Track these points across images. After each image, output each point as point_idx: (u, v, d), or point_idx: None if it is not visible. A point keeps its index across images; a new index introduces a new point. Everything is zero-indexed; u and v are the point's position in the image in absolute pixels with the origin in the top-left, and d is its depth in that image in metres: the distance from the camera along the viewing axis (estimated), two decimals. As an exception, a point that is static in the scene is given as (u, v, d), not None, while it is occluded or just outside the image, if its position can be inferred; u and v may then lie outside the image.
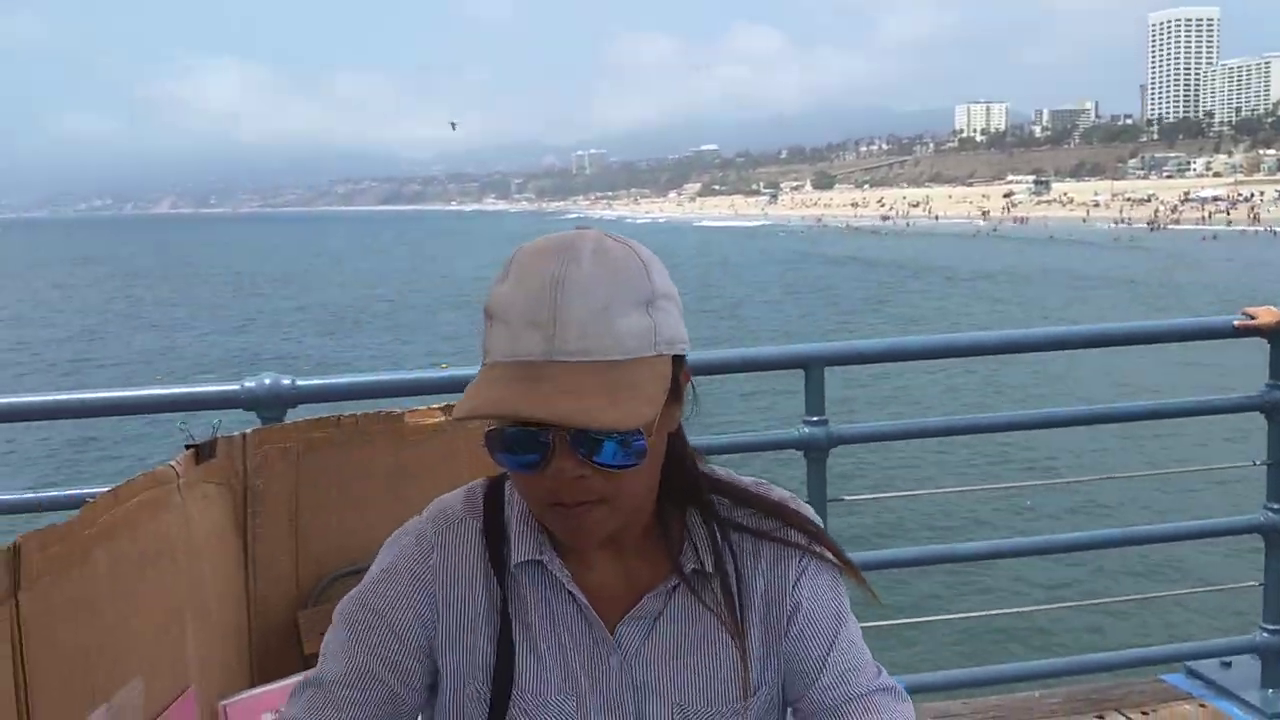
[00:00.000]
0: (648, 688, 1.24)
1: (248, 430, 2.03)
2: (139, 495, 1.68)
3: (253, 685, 1.97)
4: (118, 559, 1.59)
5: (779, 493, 1.33)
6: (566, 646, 1.25)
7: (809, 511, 1.31)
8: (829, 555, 1.28)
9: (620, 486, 1.14)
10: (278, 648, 2.03)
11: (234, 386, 2.65)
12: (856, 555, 3.64)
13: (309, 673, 1.29)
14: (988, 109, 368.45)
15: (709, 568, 1.25)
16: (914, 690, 3.31)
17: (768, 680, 1.28)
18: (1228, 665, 3.69)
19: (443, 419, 2.20)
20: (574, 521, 1.15)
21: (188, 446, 1.90)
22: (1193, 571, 5.57)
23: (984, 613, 3.69)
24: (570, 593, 1.24)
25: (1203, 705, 3.52)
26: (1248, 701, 3.49)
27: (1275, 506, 3.54)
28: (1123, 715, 3.46)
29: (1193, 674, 3.71)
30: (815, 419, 3.08)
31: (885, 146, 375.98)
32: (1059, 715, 3.44)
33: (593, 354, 1.08)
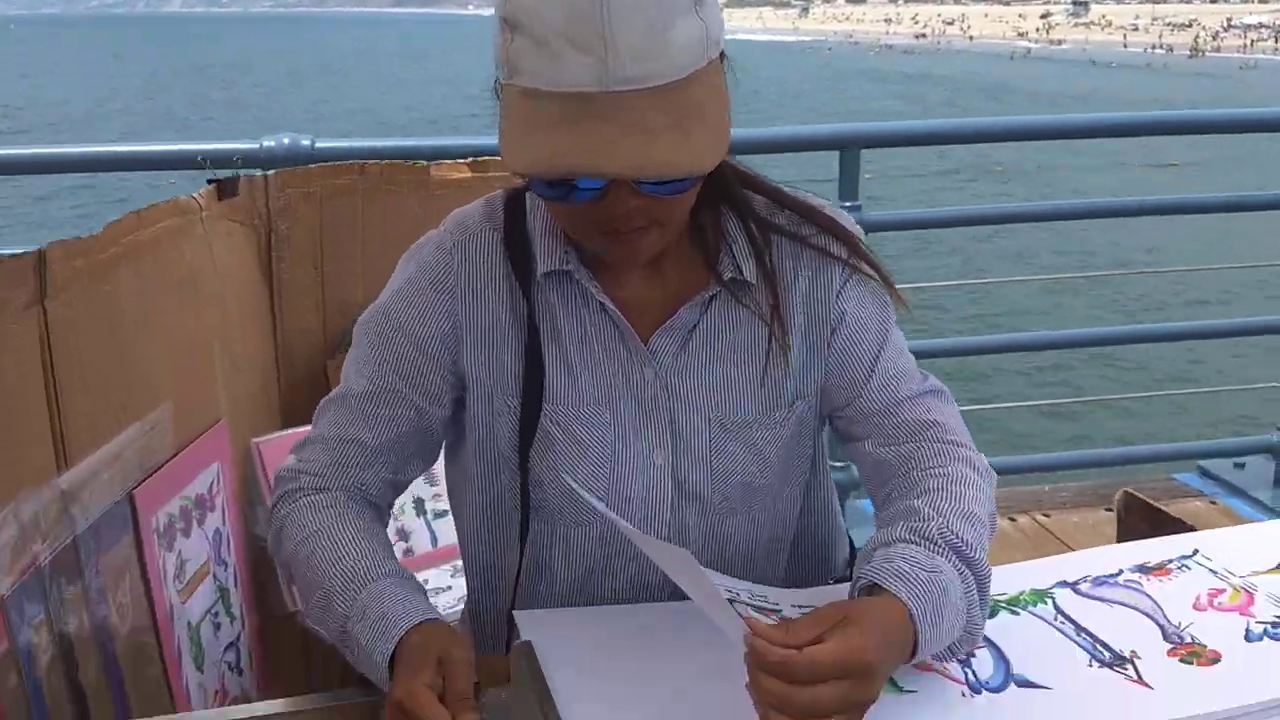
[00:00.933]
0: (683, 399, 1.23)
1: (270, 172, 1.98)
2: (162, 221, 1.65)
3: (284, 428, 1.99)
4: (143, 281, 1.57)
5: (814, 199, 1.28)
6: (599, 359, 1.22)
7: (848, 220, 1.27)
8: (866, 269, 1.24)
9: (674, 209, 1.10)
10: (306, 394, 2.03)
11: (252, 145, 2.59)
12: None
13: (334, 391, 1.28)
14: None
15: (748, 275, 1.21)
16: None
17: (805, 394, 1.26)
18: (1241, 465, 3.73)
19: (470, 174, 2.14)
20: (625, 247, 1.11)
21: (210, 181, 1.86)
22: (1212, 373, 5.57)
23: (996, 405, 3.70)
24: (601, 304, 1.20)
25: (1213, 503, 3.56)
26: (1258, 500, 3.54)
27: (1308, 308, 3.50)
28: (1133, 509, 3.50)
29: (1205, 473, 3.75)
30: (848, 204, 3.01)
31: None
32: (1067, 508, 3.48)
33: (652, 78, 0.98)
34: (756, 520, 1.28)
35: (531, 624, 1.16)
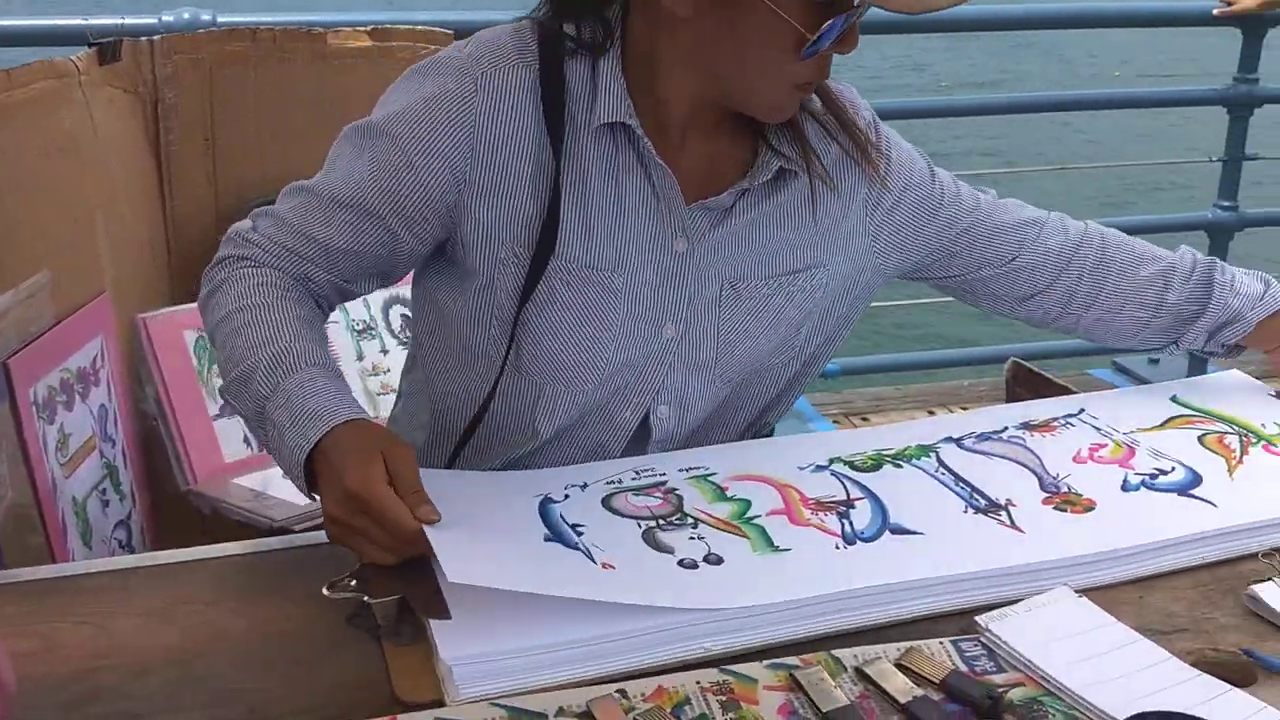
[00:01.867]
0: (708, 272, 1.19)
1: (156, 37, 1.90)
2: (36, 82, 1.58)
3: (174, 305, 1.93)
4: (18, 146, 1.50)
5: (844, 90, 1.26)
6: (629, 223, 1.15)
7: (859, 99, 1.27)
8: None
9: None
10: (198, 271, 1.97)
11: (149, 20, 2.49)
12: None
13: (303, 181, 1.18)
14: None
15: (793, 157, 1.18)
16: (848, 372, 3.40)
17: (825, 264, 1.24)
18: (1155, 361, 3.80)
19: (370, 43, 2.07)
20: (799, 99, 1.13)
21: (90, 44, 1.77)
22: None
23: (915, 301, 3.71)
24: (649, 165, 1.14)
25: (1125, 396, 3.64)
26: (1169, 393, 3.61)
27: (1225, 204, 3.54)
28: (1047, 401, 3.56)
29: (1119, 368, 3.81)
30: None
31: None
32: (986, 402, 3.54)
33: None
34: (742, 397, 1.28)
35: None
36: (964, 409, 3.46)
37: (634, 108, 1.11)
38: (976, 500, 1.09)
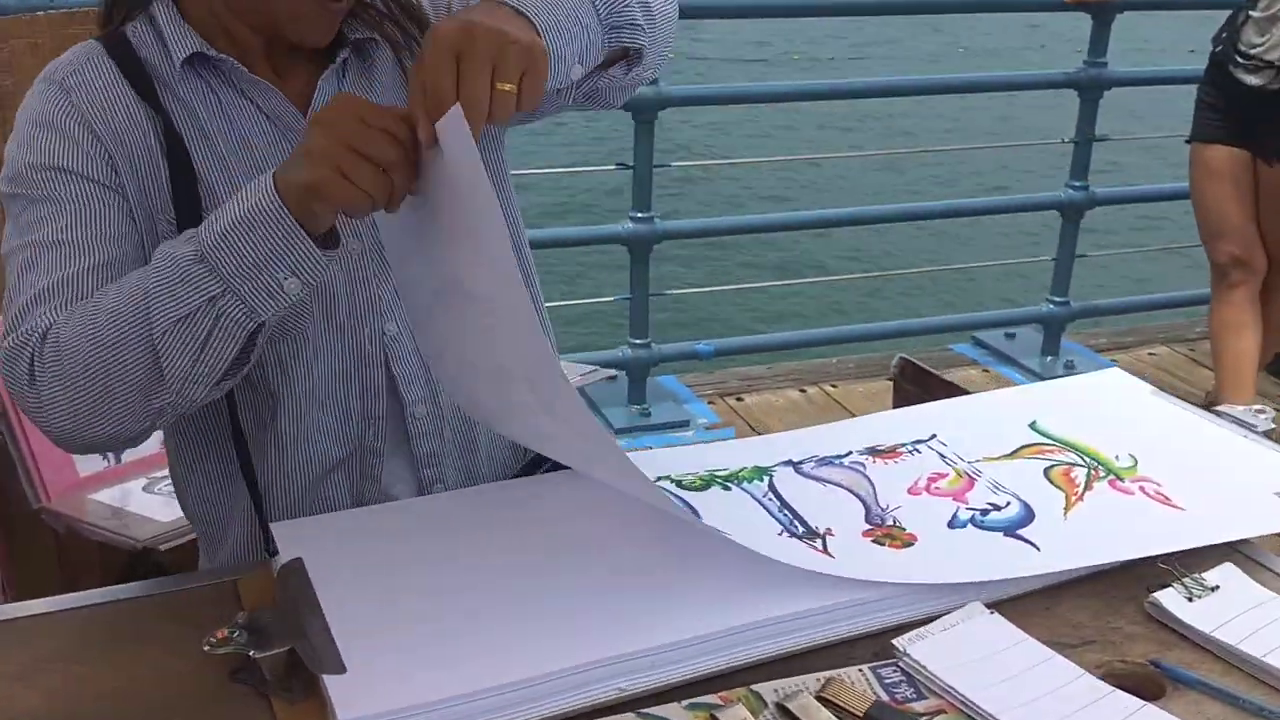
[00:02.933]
0: None
1: (-14, 18, 1.75)
2: None
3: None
4: None
5: None
6: (255, 148, 1.13)
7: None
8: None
9: None
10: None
11: (-22, -7, 2.30)
12: (674, 223, 3.65)
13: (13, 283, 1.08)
14: None
15: (374, 33, 1.18)
16: (722, 354, 3.42)
17: None
18: (1012, 336, 3.93)
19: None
20: (331, 19, 1.10)
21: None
22: (988, 248, 5.83)
23: (783, 283, 3.78)
24: (252, 91, 1.13)
25: (986, 371, 3.75)
26: (1027, 367, 3.74)
27: (1076, 184, 3.66)
28: (912, 378, 3.64)
29: (979, 343, 3.93)
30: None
31: None
32: (853, 378, 3.61)
33: None
34: None
35: (293, 538, 1.02)
36: (834, 386, 3.58)
37: (207, 39, 1.12)
38: (795, 527, 1.05)
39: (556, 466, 1.21)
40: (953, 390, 1.44)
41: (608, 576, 0.97)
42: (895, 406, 1.58)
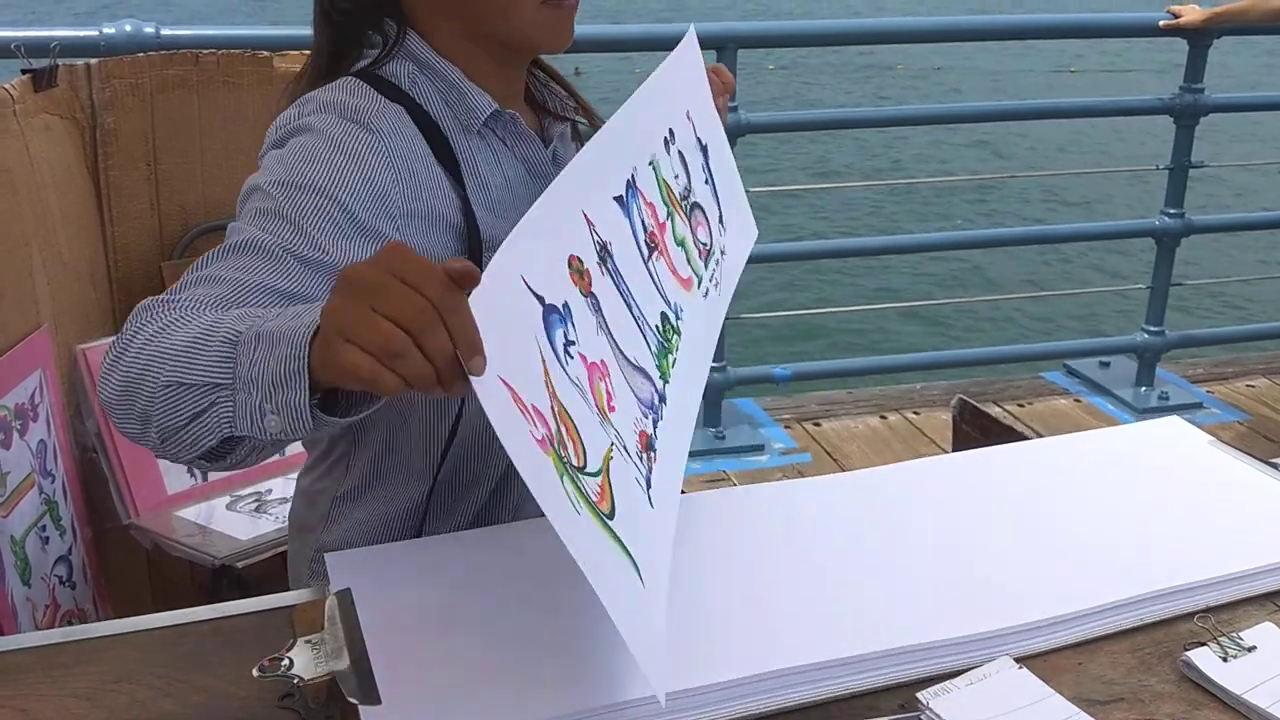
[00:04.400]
0: None
1: (93, 61, 1.86)
2: (-34, 114, 1.54)
3: (115, 335, 1.89)
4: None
5: None
6: (519, 197, 1.20)
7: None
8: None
9: None
10: (141, 298, 1.94)
11: (90, 32, 2.44)
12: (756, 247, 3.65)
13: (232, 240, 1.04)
14: None
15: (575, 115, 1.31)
16: (799, 378, 3.42)
17: None
18: (1106, 365, 3.85)
19: (316, 65, 2.03)
20: (566, 20, 1.15)
21: (24, 72, 1.73)
22: (1081, 275, 5.70)
23: (870, 307, 3.74)
24: (518, 142, 1.21)
25: (1078, 400, 3.68)
26: (1120, 397, 3.66)
27: (1171, 211, 3.58)
28: (999, 407, 3.60)
29: (1071, 372, 3.86)
30: (734, 104, 2.96)
31: None
32: (937, 406, 3.57)
33: None
34: None
35: (345, 567, 1.06)
36: (916, 413, 3.54)
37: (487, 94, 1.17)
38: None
39: None
40: (1011, 435, 1.44)
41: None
42: (955, 447, 1.58)
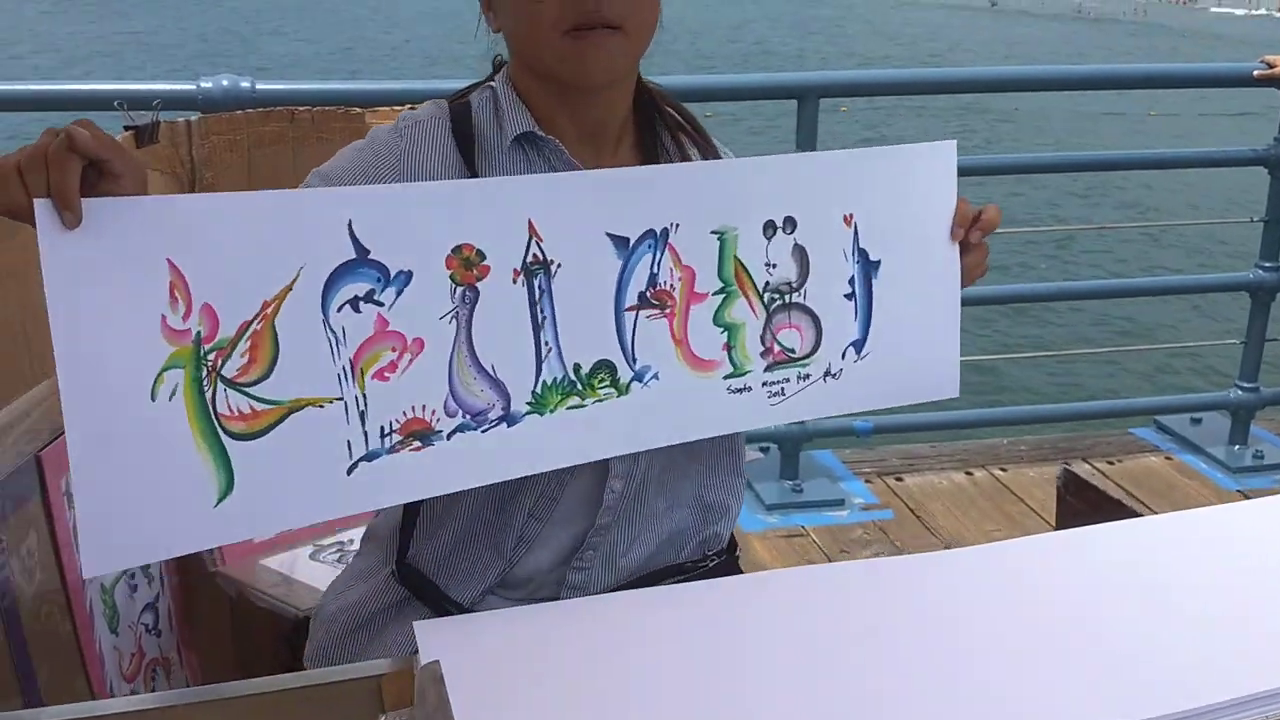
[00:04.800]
0: None
1: (193, 117, 1.90)
2: (72, 171, 1.58)
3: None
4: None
5: (721, 146, 1.36)
6: None
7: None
8: None
9: (635, 12, 1.17)
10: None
11: (189, 86, 2.51)
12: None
13: None
14: None
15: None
16: (880, 431, 3.36)
17: None
18: (1198, 421, 3.73)
19: (406, 120, 2.06)
20: (589, 50, 1.16)
21: (127, 128, 1.78)
22: (1173, 329, 5.56)
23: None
24: (562, 167, 1.22)
25: (1169, 458, 3.57)
26: (1214, 456, 3.54)
27: (1267, 265, 3.47)
28: (1089, 465, 3.50)
29: (1162, 428, 3.75)
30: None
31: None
32: (1025, 462, 3.49)
33: None
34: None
35: (434, 638, 1.06)
36: (1003, 470, 3.46)
37: (537, 120, 1.23)
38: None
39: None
40: (1121, 510, 1.38)
41: (762, 690, 0.97)
42: (1059, 523, 1.52)
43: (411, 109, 1.33)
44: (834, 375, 1.27)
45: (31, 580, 1.47)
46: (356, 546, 1.90)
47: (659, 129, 1.32)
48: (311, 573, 1.85)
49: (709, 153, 1.33)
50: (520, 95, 1.26)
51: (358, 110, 2.04)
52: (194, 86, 2.49)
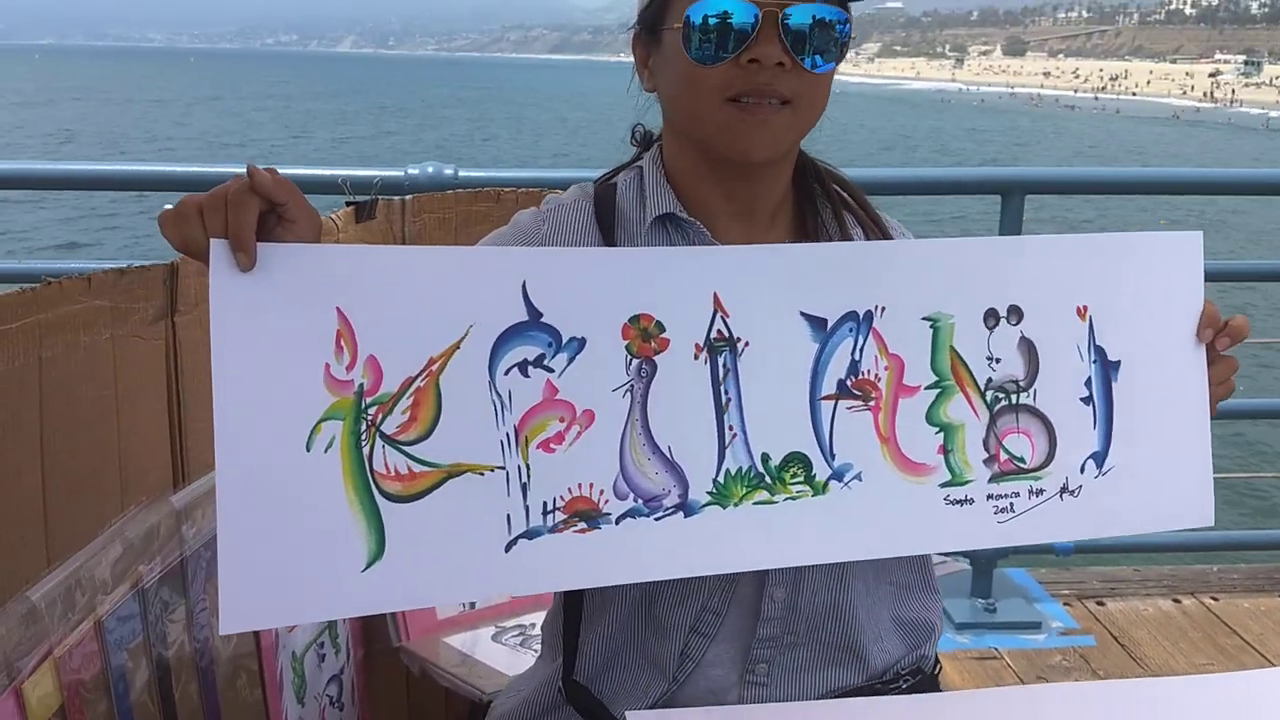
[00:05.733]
0: None
1: (408, 197, 1.95)
2: (296, 240, 1.62)
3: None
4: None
5: (893, 222, 1.29)
6: None
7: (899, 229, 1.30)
8: None
9: (808, 89, 1.11)
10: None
11: (397, 172, 2.61)
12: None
13: None
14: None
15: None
16: (1082, 550, 3.15)
17: None
18: None
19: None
20: (755, 122, 1.10)
21: (348, 203, 1.83)
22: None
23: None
24: (706, 244, 1.17)
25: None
26: None
27: None
28: (1310, 597, 3.20)
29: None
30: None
31: (1086, 14, 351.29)
32: (1239, 592, 3.21)
33: None
34: None
35: None
36: (1214, 599, 3.19)
37: (683, 202, 1.18)
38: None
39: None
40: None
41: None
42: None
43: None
44: (1071, 492, 1.13)
45: (228, 645, 1.47)
46: (539, 632, 1.87)
47: (820, 206, 1.25)
48: (493, 654, 1.81)
49: (878, 234, 1.25)
50: (668, 173, 1.21)
51: (560, 192, 2.05)
52: (402, 173, 2.59)
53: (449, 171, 2.62)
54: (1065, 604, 3.11)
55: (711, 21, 1.08)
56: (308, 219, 0.97)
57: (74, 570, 1.14)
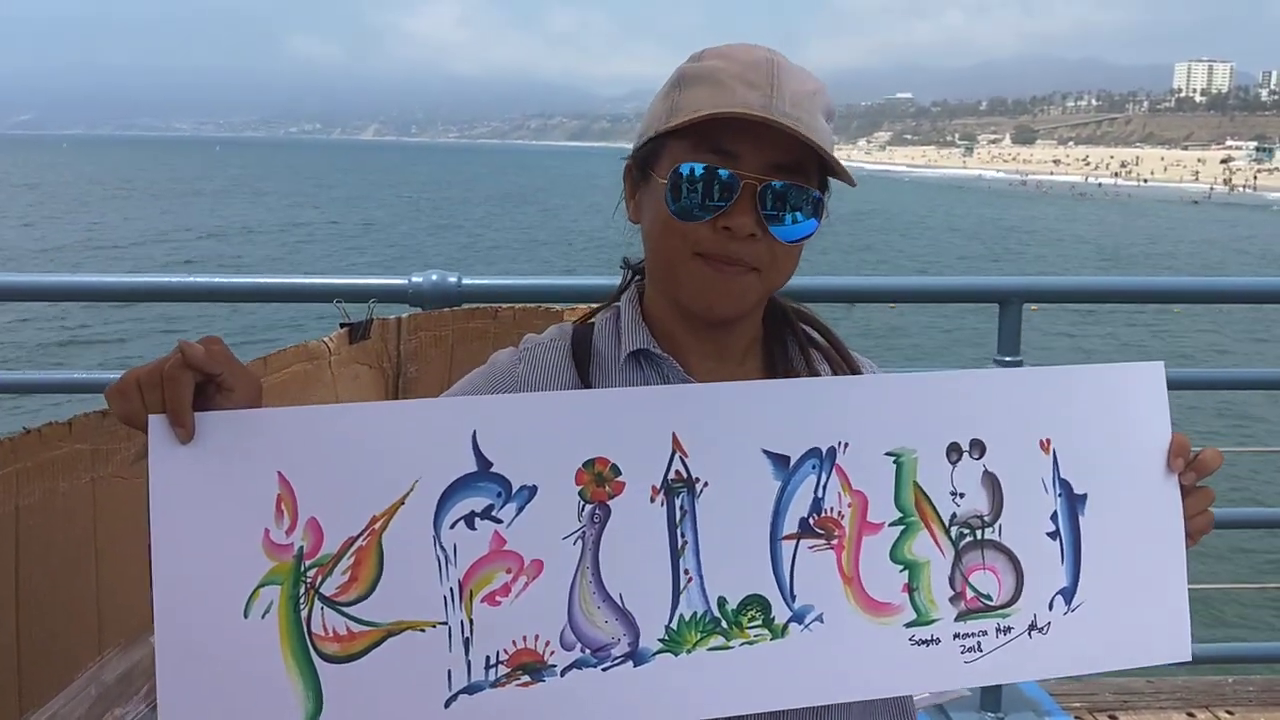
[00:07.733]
0: None
1: (403, 314, 1.96)
2: (291, 366, 1.64)
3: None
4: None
5: (862, 358, 1.32)
6: None
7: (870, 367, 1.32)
8: None
9: (777, 260, 1.14)
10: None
11: (400, 281, 2.61)
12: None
13: None
14: (1210, 68, 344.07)
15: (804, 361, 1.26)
16: (1093, 661, 3.07)
17: None
18: None
19: (605, 320, 2.08)
20: (721, 279, 1.13)
21: (342, 325, 1.84)
22: None
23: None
24: (679, 380, 1.19)
25: None
26: None
27: None
28: (1331, 713, 3.11)
29: None
30: (1008, 359, 2.84)
31: (1095, 102, 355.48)
32: (1254, 705, 3.13)
33: (802, 126, 1.09)
34: None
35: None
36: (1229, 713, 3.11)
37: (657, 338, 1.21)
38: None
39: None
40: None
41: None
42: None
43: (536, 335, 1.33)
44: (1041, 629, 1.11)
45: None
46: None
47: (789, 343, 1.27)
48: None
49: (845, 370, 1.27)
50: (645, 311, 1.24)
51: (557, 308, 2.06)
52: (405, 281, 2.59)
53: (453, 279, 2.62)
54: (1077, 717, 3.04)
55: (695, 182, 1.11)
56: (245, 385, 0.99)
57: (49, 718, 1.12)
